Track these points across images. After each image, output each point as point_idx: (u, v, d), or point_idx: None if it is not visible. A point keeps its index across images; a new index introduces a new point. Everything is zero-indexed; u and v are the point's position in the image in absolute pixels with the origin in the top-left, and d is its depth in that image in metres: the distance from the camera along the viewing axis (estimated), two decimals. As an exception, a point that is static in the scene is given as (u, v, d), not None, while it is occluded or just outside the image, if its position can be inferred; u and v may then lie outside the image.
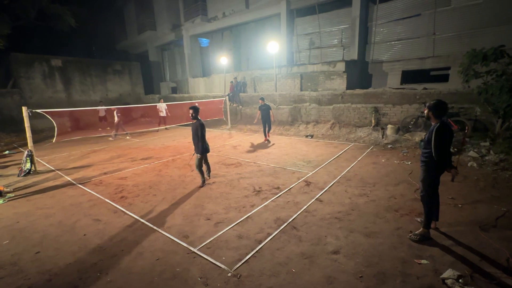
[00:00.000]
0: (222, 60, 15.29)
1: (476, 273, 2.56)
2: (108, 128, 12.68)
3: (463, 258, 2.80)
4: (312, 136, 9.79)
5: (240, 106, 13.81)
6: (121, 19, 24.80)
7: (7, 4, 14.29)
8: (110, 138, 11.17)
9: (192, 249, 3.15)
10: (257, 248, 3.10)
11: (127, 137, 11.42)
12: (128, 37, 24.47)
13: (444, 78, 10.67)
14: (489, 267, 2.64)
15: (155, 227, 3.71)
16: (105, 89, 18.64)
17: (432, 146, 2.90)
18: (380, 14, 12.13)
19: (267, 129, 9.10)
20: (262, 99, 8.99)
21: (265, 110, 8.85)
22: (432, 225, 3.28)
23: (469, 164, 5.81)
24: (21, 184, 5.91)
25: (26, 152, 6.70)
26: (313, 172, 5.76)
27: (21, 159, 6.91)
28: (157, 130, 12.81)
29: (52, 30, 17.84)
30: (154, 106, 13.05)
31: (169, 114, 12.68)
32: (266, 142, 9.08)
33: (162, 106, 12.54)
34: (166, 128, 13.18)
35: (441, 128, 2.90)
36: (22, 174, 6.49)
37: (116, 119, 10.87)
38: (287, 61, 14.71)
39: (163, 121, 12.76)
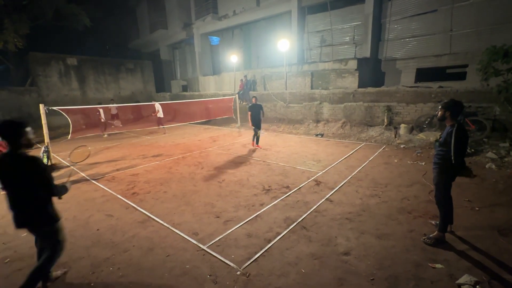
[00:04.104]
0: (232, 58, 15.30)
1: (494, 280, 2.46)
2: (121, 125, 12.96)
3: (480, 263, 2.69)
4: (322, 135, 9.67)
5: (250, 105, 13.79)
6: (134, 19, 25.26)
7: (26, 4, 14.78)
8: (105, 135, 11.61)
9: (201, 246, 3.17)
10: (266, 247, 3.09)
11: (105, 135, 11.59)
12: (141, 36, 24.90)
13: (461, 76, 10.31)
14: (508, 274, 2.54)
15: (165, 224, 3.76)
16: (118, 87, 19.05)
17: (453, 151, 2.77)
18: (394, 10, 11.82)
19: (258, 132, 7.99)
20: (255, 97, 8.14)
21: (258, 110, 7.91)
22: (447, 228, 3.17)
23: (487, 166, 5.59)
24: (38, 179, 6.11)
25: (43, 148, 6.93)
26: (323, 171, 5.69)
27: (38, 155, 7.15)
28: (164, 133, 12.00)
29: (68, 30, 18.35)
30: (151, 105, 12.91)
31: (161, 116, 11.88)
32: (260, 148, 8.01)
33: (157, 107, 11.82)
34: (163, 129, 12.18)
35: (461, 130, 2.78)
36: (39, 170, 6.70)
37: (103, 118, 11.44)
38: (297, 59, 14.57)
39: (160, 122, 11.92)
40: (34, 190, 2.22)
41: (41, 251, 2.48)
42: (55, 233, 2.44)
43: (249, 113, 7.82)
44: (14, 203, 2.25)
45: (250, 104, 8.05)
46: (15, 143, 2.17)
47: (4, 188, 2.22)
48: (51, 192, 2.32)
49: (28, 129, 2.24)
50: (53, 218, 2.41)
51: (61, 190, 2.42)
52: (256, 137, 7.95)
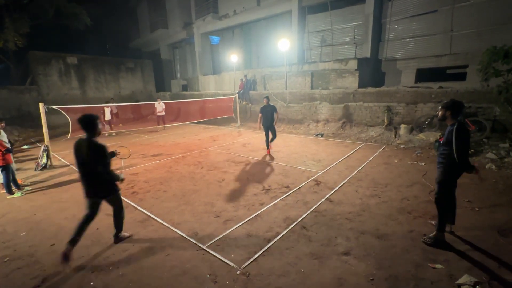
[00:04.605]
0: (232, 57, 15.29)
1: (494, 280, 2.46)
2: (121, 124, 12.96)
3: (480, 264, 2.69)
4: (322, 135, 9.67)
5: (250, 104, 13.80)
6: (134, 18, 25.24)
7: (26, 3, 14.77)
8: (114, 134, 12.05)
9: (201, 246, 3.17)
10: (266, 247, 3.09)
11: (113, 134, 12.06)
12: (141, 36, 24.88)
13: (461, 77, 10.30)
14: (508, 274, 2.54)
15: (165, 223, 3.76)
16: (118, 86, 19.04)
17: (454, 148, 2.77)
18: (394, 11, 11.80)
19: (270, 137, 7.31)
20: (267, 97, 7.34)
21: (269, 112, 7.13)
22: (448, 229, 3.17)
23: (487, 166, 5.59)
24: (38, 178, 6.12)
25: (42, 147, 6.92)
26: (323, 171, 5.69)
27: (38, 154, 7.15)
28: (164, 128, 12.68)
29: (68, 29, 18.34)
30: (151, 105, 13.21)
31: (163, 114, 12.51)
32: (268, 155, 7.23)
33: (160, 106, 12.31)
34: (164, 128, 12.74)
35: (461, 128, 2.79)
36: (39, 168, 6.71)
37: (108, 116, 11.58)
38: (297, 59, 14.57)
39: (162, 120, 12.48)
40: (98, 168, 2.87)
41: (86, 218, 3.08)
42: (117, 200, 3.26)
43: (260, 115, 7.22)
44: (84, 177, 2.95)
45: (262, 106, 7.28)
46: (91, 132, 2.89)
47: (78, 165, 2.93)
48: (107, 173, 2.96)
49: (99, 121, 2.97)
50: (112, 190, 3.15)
51: (116, 176, 3.08)
52: (267, 139, 7.29)
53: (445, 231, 3.09)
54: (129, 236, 3.46)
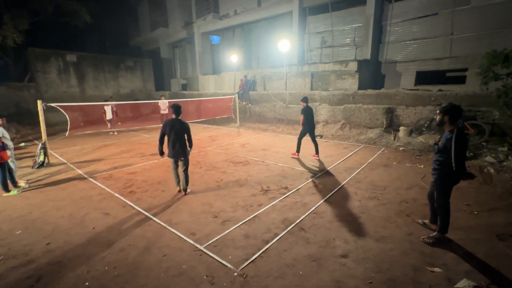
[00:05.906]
0: (233, 58, 15.26)
1: (493, 284, 2.44)
2: (119, 123, 12.89)
3: (479, 267, 2.68)
4: (321, 136, 9.63)
5: (250, 104, 13.78)
6: (135, 16, 25.15)
7: (26, 0, 14.69)
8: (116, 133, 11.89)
9: (198, 246, 3.14)
10: (264, 249, 3.07)
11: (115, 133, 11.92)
12: (141, 34, 24.80)
13: (461, 80, 10.32)
14: (506, 278, 2.52)
15: (162, 223, 3.73)
16: (117, 85, 18.94)
17: (453, 158, 2.72)
18: (395, 13, 11.81)
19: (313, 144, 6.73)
20: (305, 100, 6.66)
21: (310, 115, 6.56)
22: (434, 227, 3.21)
23: (485, 170, 5.59)
24: (35, 176, 6.07)
25: (40, 145, 6.88)
26: (322, 172, 5.67)
27: (35, 151, 7.10)
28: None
29: (68, 26, 18.24)
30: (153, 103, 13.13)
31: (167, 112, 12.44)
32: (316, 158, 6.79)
33: (163, 104, 12.29)
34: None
35: (460, 136, 2.73)
36: (36, 166, 6.66)
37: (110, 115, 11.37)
38: (298, 60, 14.56)
39: (165, 118, 12.52)
40: (184, 138, 4.56)
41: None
42: (188, 160, 4.77)
43: (302, 116, 6.56)
44: (173, 144, 4.50)
45: (303, 107, 6.62)
46: (179, 114, 4.54)
47: (168, 135, 4.50)
48: (190, 141, 4.67)
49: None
50: (189, 153, 4.72)
51: (191, 145, 4.75)
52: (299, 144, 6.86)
53: (446, 232, 3.08)
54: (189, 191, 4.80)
